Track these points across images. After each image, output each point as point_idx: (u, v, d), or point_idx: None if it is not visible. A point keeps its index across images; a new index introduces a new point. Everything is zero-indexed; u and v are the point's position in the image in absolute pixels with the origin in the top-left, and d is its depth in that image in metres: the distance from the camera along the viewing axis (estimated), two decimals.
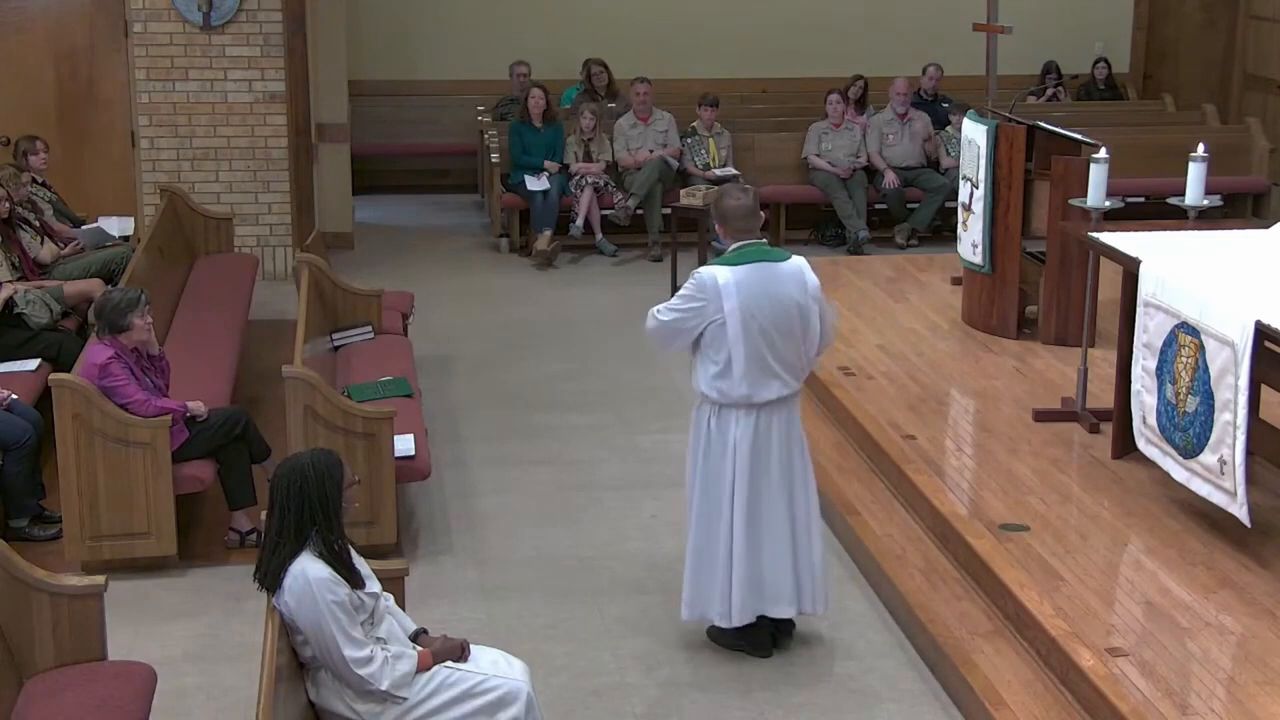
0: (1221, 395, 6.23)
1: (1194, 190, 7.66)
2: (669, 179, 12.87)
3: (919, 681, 6.04)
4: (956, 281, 10.28)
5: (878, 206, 13.40)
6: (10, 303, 8.38)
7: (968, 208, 9.56)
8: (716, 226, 5.97)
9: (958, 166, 10.06)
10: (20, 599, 5.07)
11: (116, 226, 10.39)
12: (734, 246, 5.93)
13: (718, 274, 5.83)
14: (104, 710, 4.85)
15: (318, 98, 12.13)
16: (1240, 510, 6.19)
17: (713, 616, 6.14)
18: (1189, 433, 6.47)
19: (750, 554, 6.03)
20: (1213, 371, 6.28)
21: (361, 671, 4.75)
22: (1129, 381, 7.06)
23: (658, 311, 5.95)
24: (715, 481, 6.03)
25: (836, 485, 7.60)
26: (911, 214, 13.25)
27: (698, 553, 6.10)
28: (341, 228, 12.74)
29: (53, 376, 6.94)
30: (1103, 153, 7.87)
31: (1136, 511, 6.82)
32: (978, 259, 9.46)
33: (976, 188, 9.41)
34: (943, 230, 13.14)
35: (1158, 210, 10.69)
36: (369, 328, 8.87)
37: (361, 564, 4.96)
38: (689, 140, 13.10)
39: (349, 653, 4.74)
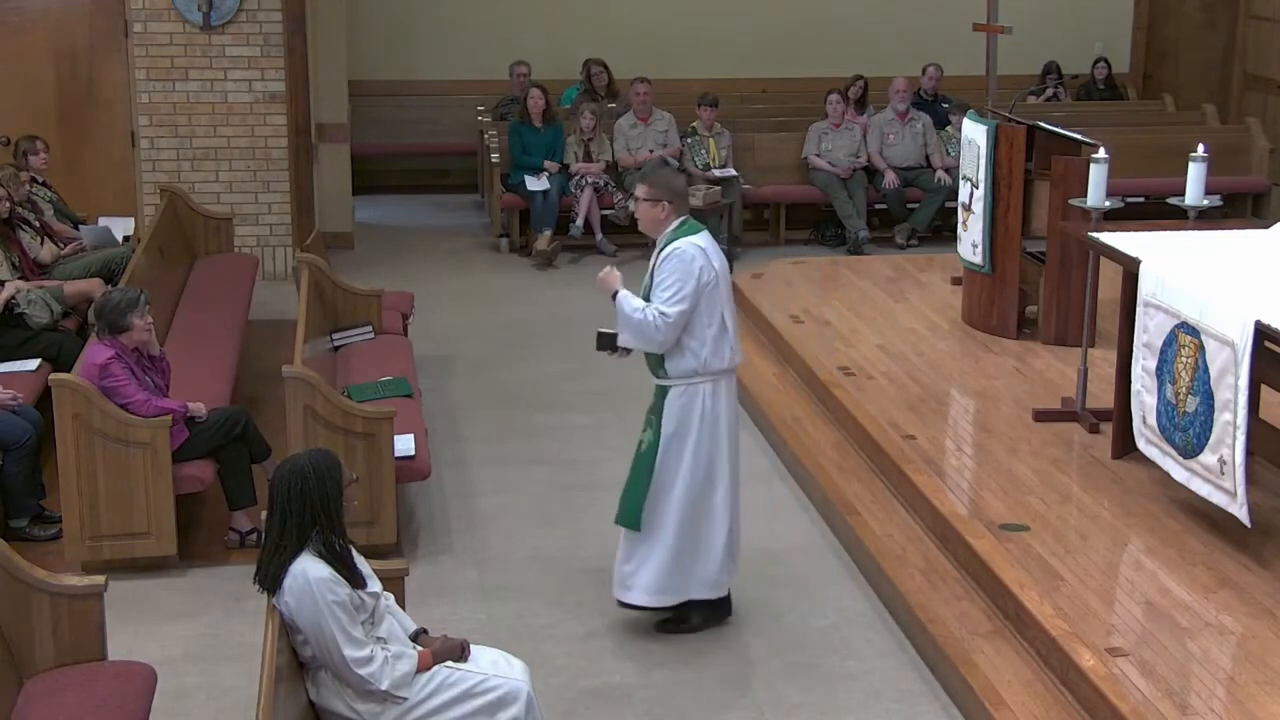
0: (1221, 395, 6.23)
1: (1194, 190, 7.66)
2: None
3: (919, 681, 6.04)
4: (956, 281, 10.28)
5: (878, 206, 13.41)
6: (10, 302, 8.39)
7: (968, 208, 9.56)
8: (665, 203, 6.07)
9: (953, 168, 10.05)
10: (20, 599, 5.07)
11: (117, 227, 10.39)
12: (678, 222, 6.10)
13: (695, 241, 6.04)
14: (104, 710, 4.85)
15: (318, 98, 12.12)
16: (1240, 510, 6.19)
17: (702, 592, 6.26)
18: (1189, 433, 6.46)
19: (738, 516, 6.31)
20: (1213, 371, 6.28)
21: (362, 671, 4.75)
22: (1129, 381, 7.06)
23: (663, 312, 5.97)
24: (708, 459, 6.16)
25: (836, 485, 7.60)
26: (911, 214, 13.25)
27: (681, 537, 6.18)
28: (341, 228, 12.74)
29: (53, 376, 6.94)
30: (1102, 153, 7.88)
31: (1136, 511, 6.82)
32: (978, 259, 9.46)
33: (976, 188, 9.40)
34: (943, 230, 13.14)
35: (1158, 210, 10.68)
36: (369, 328, 8.87)
37: (362, 564, 4.96)
38: (689, 140, 13.09)
39: (349, 652, 4.74)
